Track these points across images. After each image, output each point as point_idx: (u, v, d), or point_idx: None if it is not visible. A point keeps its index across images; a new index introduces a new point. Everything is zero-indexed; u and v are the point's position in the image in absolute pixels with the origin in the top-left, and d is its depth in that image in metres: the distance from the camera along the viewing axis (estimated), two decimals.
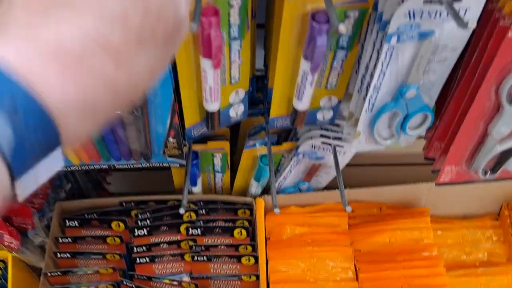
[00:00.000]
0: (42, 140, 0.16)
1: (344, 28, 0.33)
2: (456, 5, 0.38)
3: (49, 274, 0.64)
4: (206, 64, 0.44)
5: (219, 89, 0.48)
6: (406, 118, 0.49)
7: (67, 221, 0.68)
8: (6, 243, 0.57)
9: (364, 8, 0.43)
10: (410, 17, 0.39)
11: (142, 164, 0.55)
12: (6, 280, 0.68)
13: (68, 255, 0.66)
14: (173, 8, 0.20)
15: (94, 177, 0.77)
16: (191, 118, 0.52)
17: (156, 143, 0.52)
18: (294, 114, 0.53)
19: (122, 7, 0.17)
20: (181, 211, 0.53)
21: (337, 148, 0.63)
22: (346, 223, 0.73)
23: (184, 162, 0.55)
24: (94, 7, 0.17)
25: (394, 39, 0.41)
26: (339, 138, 0.64)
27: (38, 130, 0.15)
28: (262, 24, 0.57)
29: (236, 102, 0.53)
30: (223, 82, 0.49)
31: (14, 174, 0.15)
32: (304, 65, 0.45)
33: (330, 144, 0.63)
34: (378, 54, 0.44)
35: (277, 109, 0.53)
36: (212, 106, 0.50)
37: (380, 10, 0.42)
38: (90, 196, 0.76)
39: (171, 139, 0.51)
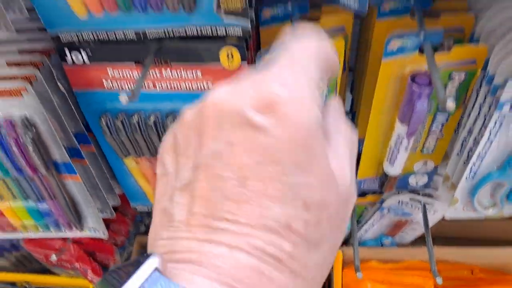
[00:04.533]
0: None
1: (452, 105, 0.29)
2: None
3: None
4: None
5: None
6: None
7: None
8: (89, 278, 0.59)
9: (472, 70, 0.38)
10: None
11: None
12: None
13: None
14: (335, 187, 0.18)
15: None
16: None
17: None
18: (384, 177, 0.50)
19: (284, 213, 0.17)
20: None
21: (427, 206, 0.58)
22: (432, 285, 0.67)
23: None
24: (257, 220, 0.16)
25: (506, 107, 0.37)
26: (430, 195, 0.59)
27: None
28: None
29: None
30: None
31: None
32: (400, 129, 0.42)
33: (419, 201, 0.58)
34: (485, 119, 0.40)
35: (365, 171, 0.50)
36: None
37: (492, 73, 0.38)
38: None
39: None
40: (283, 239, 0.16)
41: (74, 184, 0.44)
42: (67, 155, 0.41)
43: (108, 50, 0.37)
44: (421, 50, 0.37)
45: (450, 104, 0.29)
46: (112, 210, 0.50)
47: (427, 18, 0.39)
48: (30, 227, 0.49)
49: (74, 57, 0.38)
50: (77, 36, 0.36)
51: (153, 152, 0.45)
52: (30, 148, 0.38)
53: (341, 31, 0.40)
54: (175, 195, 0.18)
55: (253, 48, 0.42)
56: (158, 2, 0.33)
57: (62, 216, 0.47)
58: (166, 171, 0.19)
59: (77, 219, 0.48)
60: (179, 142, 0.19)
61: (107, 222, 0.52)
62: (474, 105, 0.41)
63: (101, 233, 0.50)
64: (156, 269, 0.16)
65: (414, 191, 0.59)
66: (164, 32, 0.35)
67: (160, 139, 0.43)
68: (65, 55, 0.38)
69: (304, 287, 0.17)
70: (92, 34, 0.36)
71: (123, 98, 0.32)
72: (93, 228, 0.50)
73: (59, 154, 0.41)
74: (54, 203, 0.45)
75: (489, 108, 0.39)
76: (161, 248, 0.17)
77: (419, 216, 0.61)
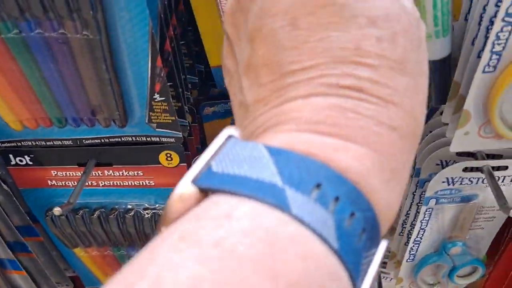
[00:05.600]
0: (370, 245, 0.14)
1: None
2: (500, 173, 0.36)
3: None
4: None
5: None
6: (452, 269, 0.45)
7: None
8: None
9: None
10: (449, 183, 0.37)
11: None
12: None
13: None
14: (398, 1, 0.15)
15: None
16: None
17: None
18: None
19: (347, 36, 0.15)
20: None
21: (382, 275, 0.59)
22: None
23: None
24: (321, 56, 0.15)
25: (432, 202, 0.39)
26: (385, 263, 0.60)
27: (369, 236, 0.14)
28: None
29: None
30: None
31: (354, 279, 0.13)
32: None
33: None
34: (418, 207, 0.42)
35: None
36: None
37: (418, 166, 0.40)
38: None
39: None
40: (357, 65, 0.14)
41: (21, 278, 0.44)
42: (11, 253, 0.41)
43: (50, 154, 0.38)
44: None
45: None
46: None
47: None
48: None
49: (18, 161, 0.39)
50: (16, 144, 0.37)
51: (101, 243, 0.46)
52: None
53: None
54: (242, 81, 0.17)
55: (196, 143, 0.44)
56: (91, 120, 0.34)
57: None
58: (230, 73, 0.18)
59: None
60: (231, 37, 0.18)
61: None
62: (408, 190, 0.43)
63: None
64: (231, 136, 0.15)
65: None
66: (100, 140, 0.37)
67: (105, 232, 0.44)
68: (9, 159, 0.39)
69: (402, 116, 0.15)
70: (31, 142, 0.37)
71: (57, 211, 0.33)
72: None
73: (3, 252, 0.41)
74: None
75: (420, 198, 0.41)
76: (245, 137, 0.16)
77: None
